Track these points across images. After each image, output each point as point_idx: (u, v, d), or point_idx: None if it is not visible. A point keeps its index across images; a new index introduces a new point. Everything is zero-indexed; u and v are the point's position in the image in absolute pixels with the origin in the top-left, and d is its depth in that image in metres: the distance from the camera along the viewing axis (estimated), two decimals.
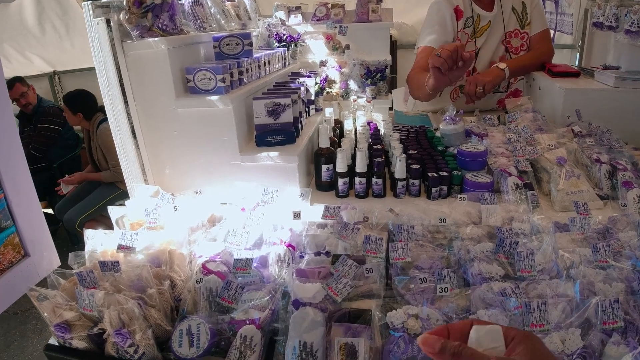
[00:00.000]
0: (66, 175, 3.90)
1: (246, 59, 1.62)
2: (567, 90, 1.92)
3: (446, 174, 1.46)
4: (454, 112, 1.75)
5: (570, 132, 1.75)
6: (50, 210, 4.19)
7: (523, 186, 1.42)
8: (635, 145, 1.84)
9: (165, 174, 1.65)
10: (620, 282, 1.03)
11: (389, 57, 2.27)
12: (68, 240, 3.94)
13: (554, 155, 1.53)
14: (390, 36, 4.31)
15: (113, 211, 1.44)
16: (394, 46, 4.46)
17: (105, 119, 3.66)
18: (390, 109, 2.91)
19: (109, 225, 4.16)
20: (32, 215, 1.29)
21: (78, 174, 3.88)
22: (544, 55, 2.28)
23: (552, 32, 3.62)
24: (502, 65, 2.11)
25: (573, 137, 1.72)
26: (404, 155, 1.47)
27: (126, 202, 1.51)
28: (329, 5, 2.49)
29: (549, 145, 1.60)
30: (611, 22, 2.03)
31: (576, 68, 2.22)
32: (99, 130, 3.68)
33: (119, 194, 3.78)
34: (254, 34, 2.23)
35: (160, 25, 1.49)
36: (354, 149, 1.55)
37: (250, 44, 1.64)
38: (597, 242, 1.12)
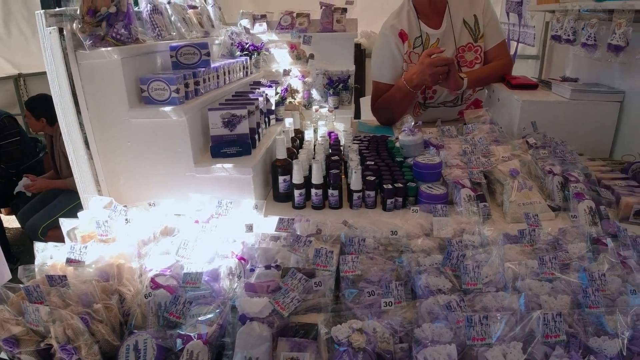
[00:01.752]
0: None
1: (203, 69, 1.61)
2: (524, 102, 1.97)
3: (401, 185, 1.48)
4: (412, 123, 1.77)
5: (525, 143, 1.79)
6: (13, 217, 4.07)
7: (475, 198, 1.45)
8: (590, 156, 1.90)
9: (120, 184, 1.62)
10: (566, 295, 1.05)
11: (352, 67, 2.29)
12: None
13: (508, 167, 1.56)
14: (360, 45, 4.37)
15: (65, 223, 1.41)
16: (363, 54, 4.52)
17: None
18: (356, 117, 2.95)
19: None
20: None
21: (40, 180, 3.77)
22: (503, 67, 2.34)
23: (515, 43, 3.72)
24: (462, 75, 2.16)
25: (527, 148, 1.76)
26: (360, 167, 1.48)
27: (78, 214, 1.47)
28: (294, 15, 2.49)
29: (503, 157, 1.63)
30: (569, 35, 2.09)
31: (534, 80, 2.27)
32: (62, 137, 3.60)
33: None
34: (217, 42, 2.21)
35: (114, 35, 1.46)
36: (312, 160, 1.56)
37: (208, 54, 1.63)
38: (544, 255, 1.14)
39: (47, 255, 1.29)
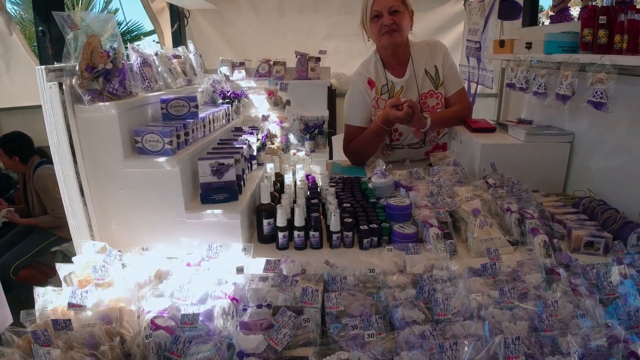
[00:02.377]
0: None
1: (192, 120, 1.74)
2: (484, 146, 2.17)
3: (376, 226, 1.63)
4: (384, 166, 1.94)
5: (485, 184, 1.97)
6: None
7: (443, 236, 1.61)
8: (545, 192, 2.10)
9: (112, 229, 1.70)
10: (524, 321, 1.20)
11: (326, 113, 2.46)
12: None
13: (470, 206, 1.74)
14: (330, 85, 4.57)
15: (62, 268, 1.49)
16: (333, 94, 4.73)
17: (43, 163, 3.64)
18: (330, 158, 3.12)
19: (44, 272, 3.99)
20: None
21: (7, 211, 3.74)
22: (464, 111, 2.56)
23: (474, 85, 4.00)
24: (426, 115, 2.36)
25: (487, 188, 1.94)
26: (338, 210, 1.63)
27: (73, 259, 1.55)
28: (271, 63, 2.66)
29: (466, 197, 1.81)
30: (522, 84, 2.32)
31: (492, 123, 2.49)
32: (36, 174, 3.61)
33: (55, 239, 3.69)
34: (200, 89, 2.35)
35: (110, 90, 1.58)
36: (293, 203, 1.70)
37: (196, 106, 1.76)
38: (503, 286, 1.30)
39: (48, 300, 1.36)
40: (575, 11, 2.59)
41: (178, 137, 1.63)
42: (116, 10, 8.89)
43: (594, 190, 2.00)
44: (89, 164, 1.62)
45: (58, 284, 1.49)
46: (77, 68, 1.55)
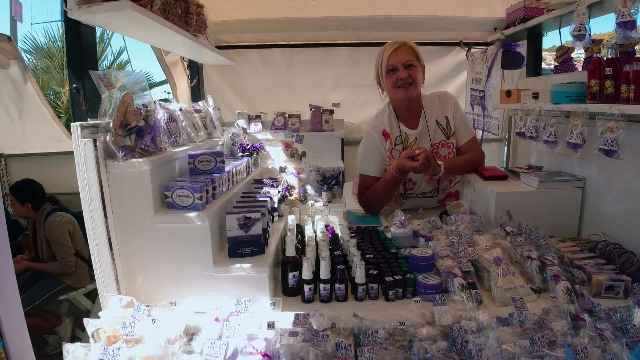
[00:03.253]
0: None
1: (218, 174, 1.79)
2: (499, 194, 2.21)
3: (400, 277, 1.64)
4: (403, 217, 1.98)
5: (503, 231, 2.00)
6: None
7: (467, 286, 1.62)
8: (560, 237, 2.13)
9: (138, 283, 1.72)
10: None
11: (341, 164, 2.53)
12: None
13: (491, 255, 1.76)
14: None
15: (89, 324, 1.49)
16: (341, 142, 4.83)
17: (54, 210, 3.68)
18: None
19: (50, 321, 3.93)
20: (18, 329, 1.31)
21: (23, 261, 3.74)
22: (476, 159, 2.63)
23: (480, 132, 4.08)
24: (440, 162, 2.42)
25: (505, 236, 1.97)
26: (362, 262, 1.65)
27: (100, 314, 1.56)
28: (286, 115, 2.75)
29: (486, 246, 1.83)
30: (532, 133, 2.39)
31: (504, 171, 2.55)
32: (47, 222, 3.63)
33: (63, 287, 3.67)
34: (220, 142, 2.42)
35: (142, 147, 1.64)
36: (317, 254, 1.72)
37: (222, 161, 1.82)
38: (533, 334, 1.31)
39: (78, 357, 1.37)
40: (578, 53, 2.67)
41: (207, 192, 1.67)
42: (127, 61, 9.18)
43: (609, 234, 2.04)
44: (119, 218, 1.66)
45: (65, 333, 1.49)
46: (111, 125, 1.61)
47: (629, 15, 1.79)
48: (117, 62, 9.23)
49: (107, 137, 1.60)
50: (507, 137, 4.44)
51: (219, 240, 1.74)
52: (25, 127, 4.95)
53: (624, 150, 1.81)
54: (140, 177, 1.61)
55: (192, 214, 1.59)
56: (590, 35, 2.23)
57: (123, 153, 1.59)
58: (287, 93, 4.52)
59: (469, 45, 4.45)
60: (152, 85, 9.72)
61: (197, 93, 2.70)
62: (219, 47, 4.38)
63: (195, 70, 2.76)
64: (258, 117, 2.80)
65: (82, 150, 1.57)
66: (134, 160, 1.60)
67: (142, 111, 1.67)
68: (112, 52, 10.32)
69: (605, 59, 1.92)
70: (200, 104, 2.47)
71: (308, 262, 1.63)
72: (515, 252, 1.85)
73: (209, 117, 2.46)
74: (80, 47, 1.62)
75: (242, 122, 2.70)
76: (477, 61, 4.11)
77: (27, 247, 4.12)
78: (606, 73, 1.88)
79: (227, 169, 1.94)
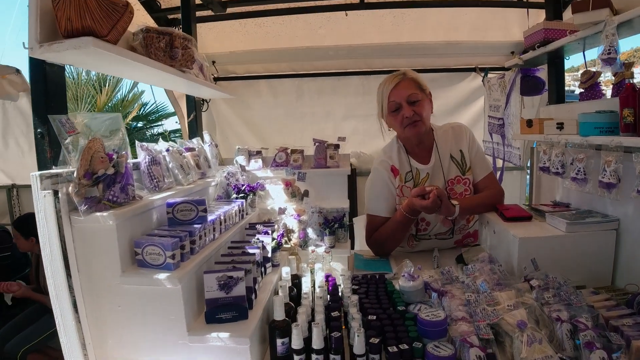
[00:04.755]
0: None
1: (199, 225, 1.60)
2: (522, 240, 1.95)
3: (407, 346, 1.40)
4: (412, 268, 1.74)
5: (527, 285, 1.75)
6: None
7: (486, 357, 1.37)
8: (592, 286, 1.86)
9: (108, 347, 1.52)
10: None
11: (346, 204, 2.31)
12: None
13: (514, 318, 1.50)
14: (351, 165, 4.50)
15: None
16: (353, 173, 4.63)
17: None
18: (352, 244, 2.93)
19: (54, 357, 3.79)
20: None
21: (17, 284, 3.61)
22: (494, 197, 2.38)
23: (500, 161, 3.83)
24: (455, 202, 2.18)
25: (531, 290, 1.71)
26: (362, 329, 1.41)
27: None
28: (289, 151, 2.57)
29: (508, 306, 1.58)
30: (557, 168, 2.15)
31: (527, 210, 2.29)
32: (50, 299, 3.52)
33: None
34: (213, 183, 2.24)
35: (110, 197, 1.47)
36: (311, 315, 1.50)
37: (205, 210, 1.63)
38: None
39: None
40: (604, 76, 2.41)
41: (183, 247, 1.48)
42: (142, 91, 9.23)
43: None
44: (85, 277, 1.48)
45: None
46: (74, 175, 1.44)
47: None
48: (133, 92, 9.28)
49: (70, 188, 1.42)
50: (529, 164, 4.18)
51: (197, 302, 1.53)
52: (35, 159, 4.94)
53: None
54: (106, 232, 1.42)
55: (163, 275, 1.39)
56: (620, 58, 2.01)
57: (87, 206, 1.41)
58: (297, 123, 4.40)
59: (485, 71, 4.25)
60: (167, 115, 9.75)
61: (194, 129, 2.55)
62: (227, 79, 4.30)
63: (192, 104, 2.62)
64: (259, 152, 2.62)
65: (42, 203, 1.40)
66: (98, 214, 1.42)
67: (112, 156, 1.50)
68: (128, 83, 10.44)
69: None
70: (195, 142, 2.31)
71: (298, 329, 1.40)
72: (542, 313, 1.59)
73: (203, 156, 2.29)
74: (45, 88, 1.47)
75: (241, 159, 2.53)
76: (494, 87, 3.89)
77: (32, 281, 4.05)
78: None
79: (213, 217, 1.74)
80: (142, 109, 9.33)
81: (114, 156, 1.50)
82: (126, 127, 9.09)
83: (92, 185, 1.46)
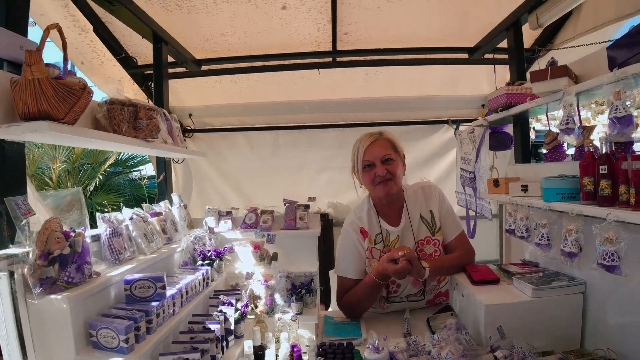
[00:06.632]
0: None
1: (157, 303, 1.56)
2: (488, 307, 1.94)
3: None
4: (376, 340, 1.72)
5: (492, 357, 1.73)
6: None
7: None
8: (561, 352, 1.84)
9: None
10: None
11: (315, 268, 2.30)
12: None
13: None
14: (327, 214, 4.50)
15: None
16: (330, 224, 4.62)
17: None
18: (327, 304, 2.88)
19: None
20: None
21: None
22: (465, 258, 2.39)
23: (473, 212, 3.87)
24: (425, 264, 2.18)
25: None
26: None
27: None
28: (259, 212, 2.56)
29: None
30: (522, 232, 2.17)
31: (495, 271, 2.30)
32: None
33: None
34: (179, 249, 2.21)
35: (65, 278, 1.43)
36: None
37: (163, 287, 1.60)
38: None
39: None
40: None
41: (138, 329, 1.44)
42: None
43: (614, 349, 1.75)
44: (41, 358, 1.42)
45: None
46: (30, 255, 1.42)
47: (624, 109, 1.59)
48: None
49: (25, 269, 1.39)
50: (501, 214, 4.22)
51: None
52: None
53: (628, 261, 1.55)
54: (60, 314, 1.39)
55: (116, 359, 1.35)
56: (580, 123, 2.06)
57: (41, 287, 1.38)
58: (272, 174, 4.41)
59: (457, 123, 4.36)
60: (145, 161, 9.65)
61: (163, 190, 2.53)
62: (203, 131, 4.33)
63: (162, 165, 2.61)
64: (229, 213, 2.61)
65: None
66: (52, 296, 1.38)
67: (70, 234, 1.48)
68: None
69: (599, 154, 1.70)
70: (162, 205, 2.29)
71: None
72: None
73: (170, 219, 2.28)
74: (3, 167, 1.46)
75: (210, 220, 2.51)
76: (465, 141, 3.97)
77: None
78: (601, 172, 1.64)
79: (173, 291, 1.71)
80: (121, 155, 9.27)
81: (71, 234, 1.48)
82: (104, 173, 9.07)
83: (48, 265, 1.43)
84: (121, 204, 7.48)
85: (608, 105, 1.62)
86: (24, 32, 1.57)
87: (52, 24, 1.37)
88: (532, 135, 2.73)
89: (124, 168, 9.77)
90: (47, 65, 1.31)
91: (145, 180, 9.46)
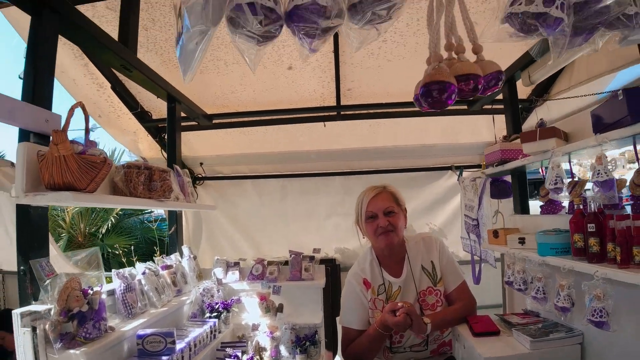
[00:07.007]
0: None
1: (167, 357, 1.65)
2: None
3: None
4: None
5: None
6: None
7: None
8: None
9: None
10: None
11: (319, 319, 2.37)
12: None
13: None
14: (335, 259, 4.57)
15: None
16: (338, 269, 4.68)
17: None
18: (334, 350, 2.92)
19: None
20: None
21: None
22: (466, 309, 2.43)
23: (477, 257, 3.91)
24: (427, 320, 2.23)
25: None
26: None
27: None
28: (265, 263, 2.66)
29: None
30: (520, 285, 2.23)
31: (496, 323, 2.34)
32: None
33: None
34: (188, 301, 2.30)
35: (83, 334, 1.54)
36: None
37: (173, 342, 1.69)
38: None
39: None
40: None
41: None
42: None
43: None
44: None
45: None
46: (51, 313, 1.53)
47: (605, 173, 1.68)
48: None
49: (47, 325, 1.50)
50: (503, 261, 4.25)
51: None
52: None
53: (618, 316, 1.62)
54: None
55: None
56: (573, 177, 2.14)
57: (61, 343, 1.49)
58: (280, 221, 4.52)
59: (460, 169, 4.47)
60: None
61: (174, 241, 2.65)
62: (214, 178, 4.49)
63: (173, 217, 2.74)
64: (237, 264, 2.71)
65: (22, 339, 1.47)
66: (72, 351, 1.48)
67: (88, 292, 1.59)
68: None
69: (587, 213, 1.78)
70: (172, 258, 2.40)
71: None
72: None
73: (180, 272, 2.38)
74: (30, 230, 1.59)
75: (219, 271, 2.61)
76: (468, 188, 4.07)
77: None
78: (589, 230, 1.73)
79: (182, 345, 1.80)
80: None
81: (89, 292, 1.59)
82: (116, 215, 9.25)
83: (67, 321, 1.53)
84: (132, 247, 7.61)
85: (591, 169, 1.72)
86: (48, 106, 1.74)
87: (76, 103, 1.53)
88: (542, 171, 2.80)
89: (136, 210, 9.97)
90: (72, 142, 1.46)
91: (155, 222, 9.62)
